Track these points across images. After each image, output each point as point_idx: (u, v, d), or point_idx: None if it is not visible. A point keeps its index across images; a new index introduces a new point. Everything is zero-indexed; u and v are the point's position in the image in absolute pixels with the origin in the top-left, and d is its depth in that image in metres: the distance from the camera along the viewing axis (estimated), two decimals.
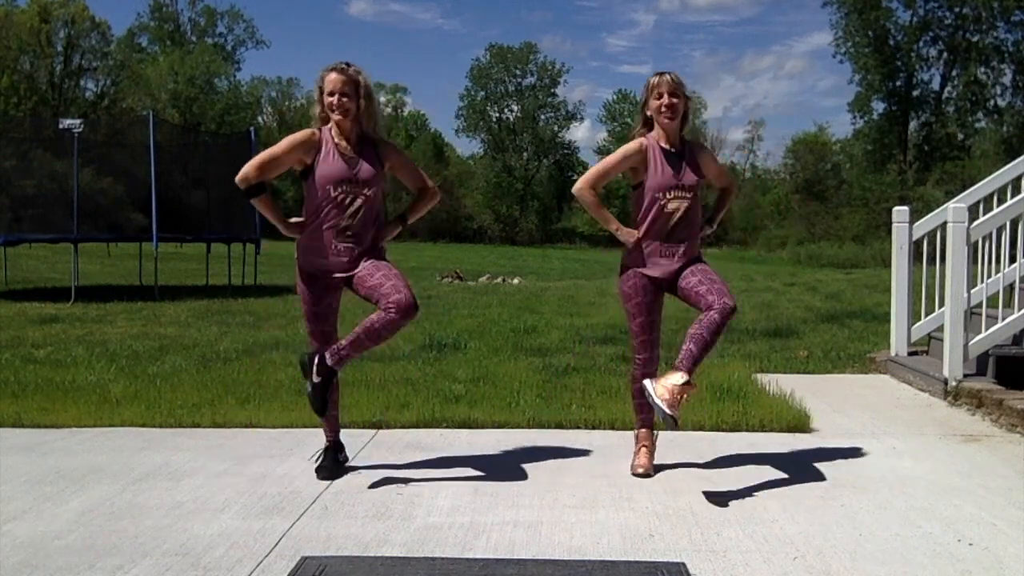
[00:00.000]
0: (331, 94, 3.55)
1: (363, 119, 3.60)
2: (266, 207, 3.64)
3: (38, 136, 15.87)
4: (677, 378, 3.43)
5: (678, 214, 3.72)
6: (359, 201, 3.58)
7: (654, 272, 3.74)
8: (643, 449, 3.93)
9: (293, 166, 3.63)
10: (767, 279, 17.02)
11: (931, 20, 46.22)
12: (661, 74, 3.73)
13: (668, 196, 3.72)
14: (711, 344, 3.51)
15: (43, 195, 14.92)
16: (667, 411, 3.36)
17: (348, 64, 3.59)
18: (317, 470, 3.81)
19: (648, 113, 3.78)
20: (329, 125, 3.63)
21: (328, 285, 3.67)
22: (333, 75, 3.56)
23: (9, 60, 49.05)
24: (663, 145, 3.77)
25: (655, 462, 3.94)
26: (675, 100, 3.70)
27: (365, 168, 3.59)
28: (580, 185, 3.81)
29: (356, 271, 3.58)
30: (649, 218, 3.74)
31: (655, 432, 4.00)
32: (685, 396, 3.44)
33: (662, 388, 3.42)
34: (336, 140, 3.61)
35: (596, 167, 3.88)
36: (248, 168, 3.59)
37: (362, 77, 3.59)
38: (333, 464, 3.84)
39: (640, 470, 3.84)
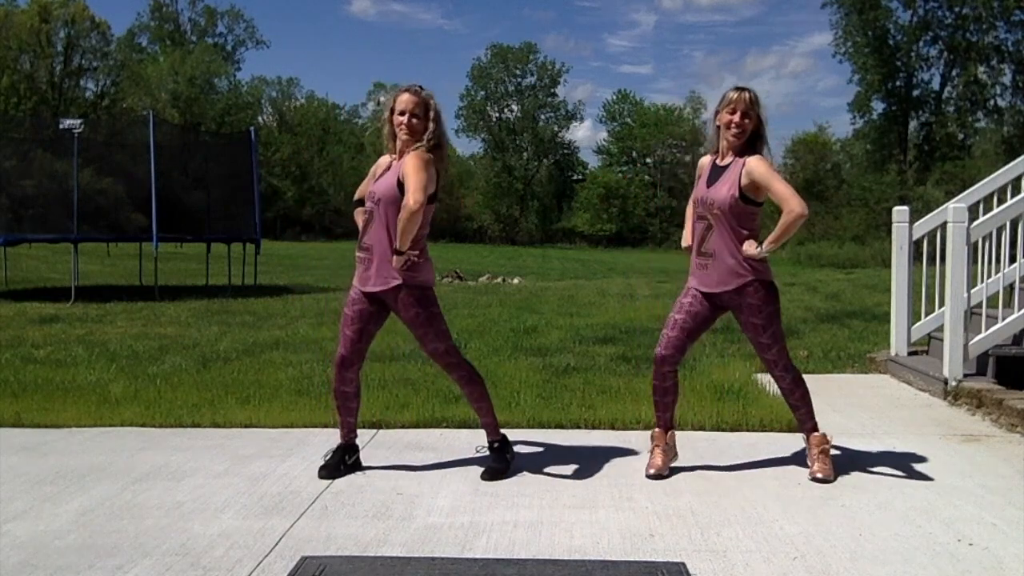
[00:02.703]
0: (402, 113, 3.64)
1: (427, 139, 3.64)
2: (357, 219, 3.87)
3: (38, 136, 15.82)
4: (817, 442, 3.89)
5: (705, 227, 3.79)
6: (373, 215, 3.69)
7: (692, 282, 3.88)
8: (657, 449, 3.93)
9: None
10: None
11: (931, 20, 46.23)
12: (741, 90, 3.73)
13: (699, 209, 3.81)
14: (804, 400, 3.94)
15: (43, 195, 14.89)
16: (820, 476, 3.80)
17: (421, 87, 3.69)
18: (320, 468, 3.82)
19: (718, 124, 3.79)
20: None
21: (362, 301, 3.77)
22: (406, 96, 3.65)
23: (9, 60, 49.03)
24: (717, 161, 3.83)
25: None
26: (746, 121, 3.70)
27: (380, 183, 3.71)
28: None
29: (399, 312, 3.74)
30: (693, 229, 3.90)
31: (671, 432, 4.00)
32: (828, 447, 3.90)
33: (819, 467, 3.82)
34: (394, 161, 3.73)
35: None
36: (357, 192, 3.93)
37: (433, 101, 3.68)
38: (337, 464, 3.85)
39: (652, 471, 3.85)
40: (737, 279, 3.74)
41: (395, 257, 3.59)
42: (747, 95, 3.69)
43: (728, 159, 3.78)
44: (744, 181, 3.69)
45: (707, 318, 3.86)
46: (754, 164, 3.69)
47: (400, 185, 3.60)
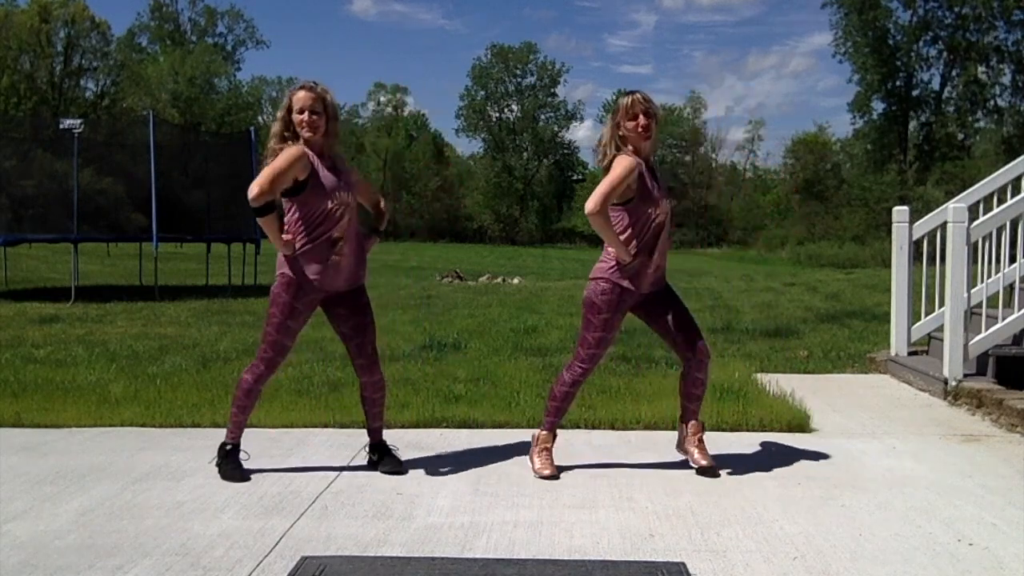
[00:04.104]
0: (301, 111, 3.61)
1: (330, 137, 3.68)
2: (272, 224, 3.61)
3: (38, 136, 15.80)
4: (695, 430, 3.92)
5: (665, 228, 3.81)
6: (349, 211, 3.68)
7: (644, 288, 3.78)
8: (544, 452, 3.87)
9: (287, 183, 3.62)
10: (767, 279, 17.02)
11: (931, 20, 46.22)
12: (631, 94, 3.73)
13: (659, 210, 3.76)
14: (703, 393, 3.95)
15: (43, 195, 14.87)
16: (705, 464, 3.85)
17: (316, 83, 3.67)
18: (231, 472, 3.75)
19: (621, 134, 3.73)
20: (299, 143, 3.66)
21: (314, 300, 3.72)
22: (302, 93, 3.63)
23: (9, 60, 49.02)
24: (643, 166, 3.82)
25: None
26: (651, 120, 3.72)
27: (349, 181, 3.72)
28: (595, 209, 3.62)
29: (348, 300, 3.75)
30: (640, 234, 3.73)
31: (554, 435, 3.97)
32: (703, 436, 3.93)
33: (698, 455, 3.88)
34: (316, 154, 3.68)
35: (604, 188, 3.64)
36: (263, 183, 3.53)
37: (329, 96, 3.67)
38: (239, 463, 3.80)
39: (546, 472, 3.79)
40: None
41: (375, 239, 3.96)
42: (640, 96, 3.72)
43: (648, 162, 3.81)
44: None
45: (622, 322, 3.90)
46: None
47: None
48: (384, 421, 4.03)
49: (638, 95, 3.72)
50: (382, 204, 4.04)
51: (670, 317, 3.84)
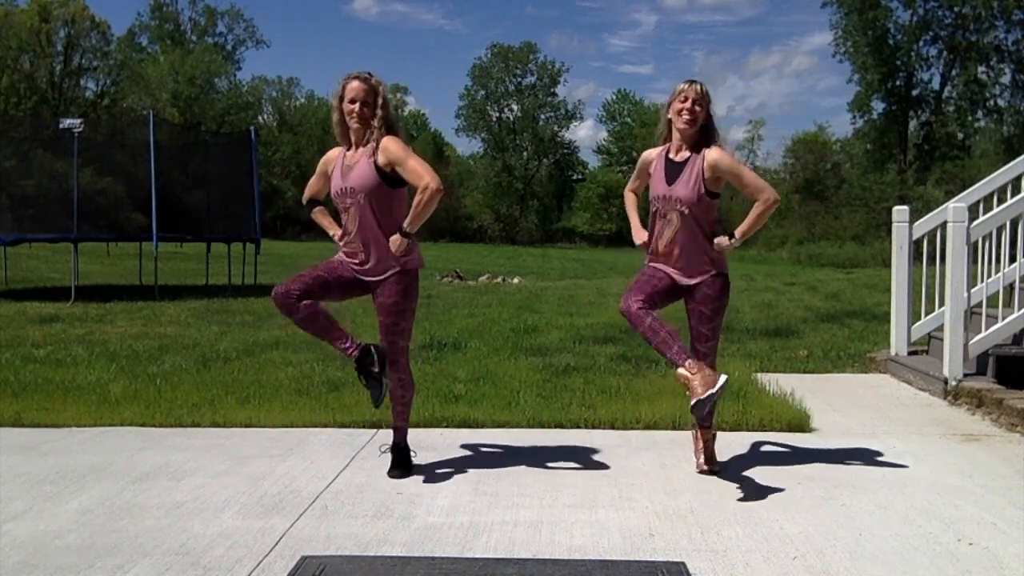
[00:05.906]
0: (352, 101, 3.64)
1: (377, 127, 3.65)
2: (319, 219, 4.08)
3: (38, 136, 15.80)
4: (704, 436, 3.96)
5: (670, 224, 3.77)
6: (352, 208, 3.68)
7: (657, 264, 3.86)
8: (699, 375, 3.44)
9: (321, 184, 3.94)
10: (767, 279, 17.01)
11: (931, 20, 46.18)
12: (691, 82, 3.76)
13: (659, 206, 3.80)
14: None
15: (43, 195, 14.88)
16: (707, 469, 3.86)
17: (370, 74, 3.68)
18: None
19: (669, 116, 3.79)
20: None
21: (352, 275, 3.76)
22: (355, 83, 3.65)
23: (9, 60, 49.02)
24: (670, 155, 3.81)
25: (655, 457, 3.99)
26: (697, 108, 3.71)
27: (354, 175, 3.67)
28: (626, 190, 4.16)
29: (378, 295, 3.72)
30: (650, 225, 3.89)
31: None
32: (711, 443, 3.96)
33: (701, 460, 3.90)
34: (346, 152, 3.72)
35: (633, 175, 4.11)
36: (306, 192, 4.10)
37: (382, 87, 3.70)
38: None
39: (710, 390, 3.38)
40: (700, 274, 3.77)
41: (401, 240, 3.63)
42: (698, 86, 3.74)
43: (683, 154, 3.77)
44: (707, 174, 3.70)
45: (670, 292, 3.78)
46: (718, 155, 3.70)
47: (381, 172, 3.62)
48: (407, 423, 3.93)
49: (696, 85, 3.74)
50: (422, 185, 3.58)
51: (691, 320, 3.82)
